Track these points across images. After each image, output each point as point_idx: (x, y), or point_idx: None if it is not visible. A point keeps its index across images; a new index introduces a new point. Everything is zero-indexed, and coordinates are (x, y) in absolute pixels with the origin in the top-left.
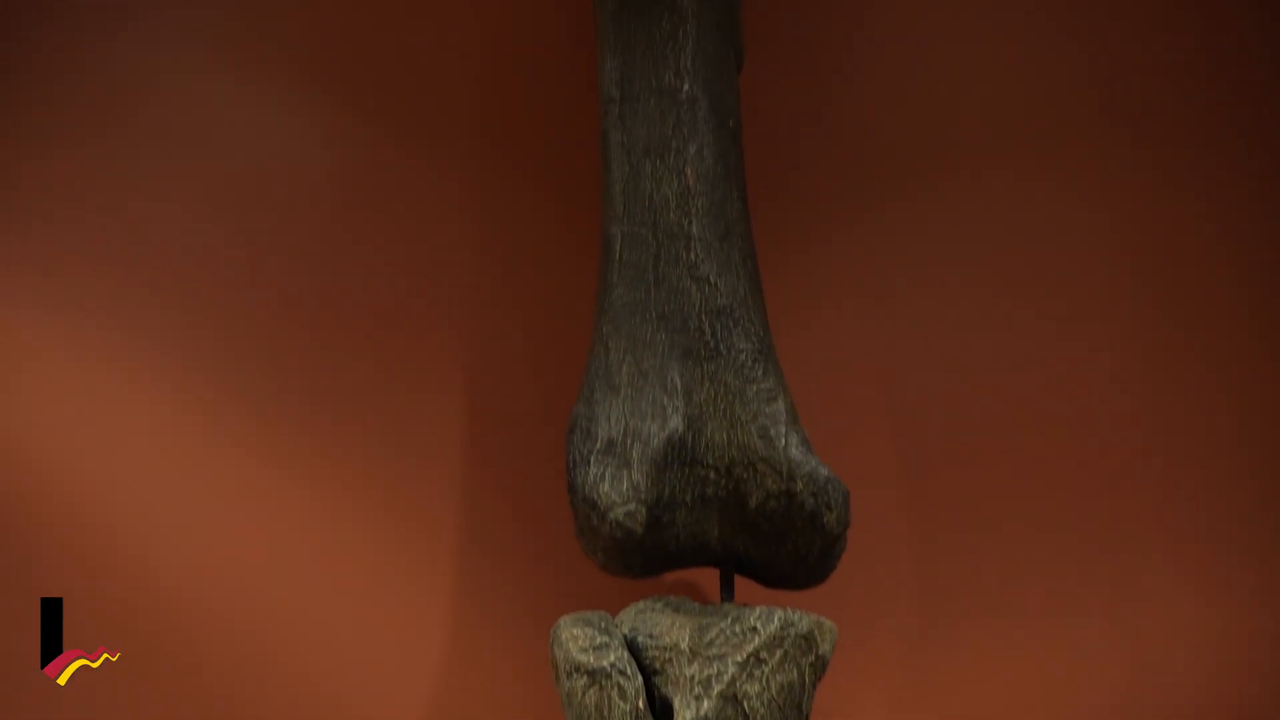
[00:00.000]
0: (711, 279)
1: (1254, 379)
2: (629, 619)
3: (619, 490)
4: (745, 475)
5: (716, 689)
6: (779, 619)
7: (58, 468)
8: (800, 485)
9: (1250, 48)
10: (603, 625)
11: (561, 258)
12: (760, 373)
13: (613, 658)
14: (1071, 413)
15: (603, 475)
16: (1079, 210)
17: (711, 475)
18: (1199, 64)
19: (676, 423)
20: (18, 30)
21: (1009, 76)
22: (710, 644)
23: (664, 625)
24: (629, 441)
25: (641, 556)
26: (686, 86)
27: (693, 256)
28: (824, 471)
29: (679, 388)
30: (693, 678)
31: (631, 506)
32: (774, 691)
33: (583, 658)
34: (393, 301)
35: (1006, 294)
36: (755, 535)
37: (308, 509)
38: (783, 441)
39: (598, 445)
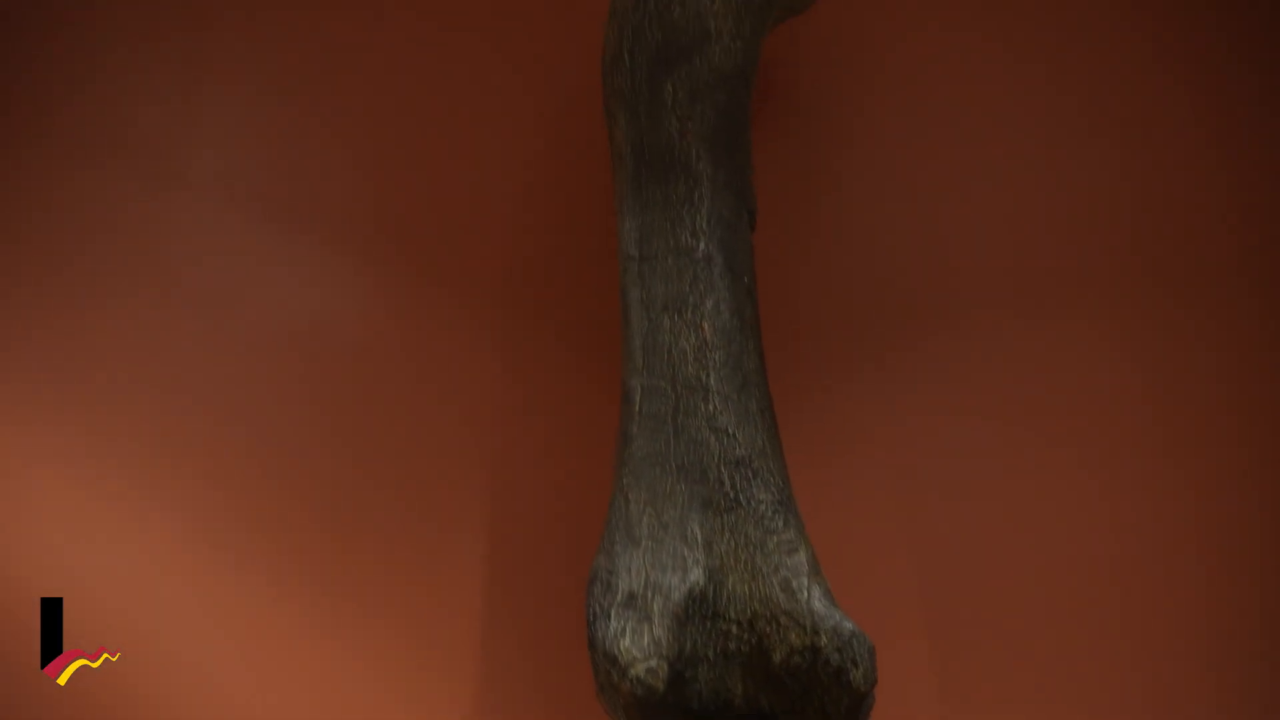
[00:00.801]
0: (730, 430)
1: None
2: None
3: (640, 646)
4: (768, 629)
5: None
6: None
7: (77, 617)
8: (825, 640)
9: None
10: None
11: (582, 410)
12: (781, 524)
13: None
14: (1099, 561)
15: (623, 630)
16: (1097, 358)
17: (734, 629)
18: (1218, 213)
19: (697, 575)
20: (56, 184)
21: (1021, 227)
22: None
23: None
24: (650, 594)
25: (663, 714)
26: (702, 245)
27: (711, 408)
28: (849, 626)
29: (699, 539)
30: None
31: (653, 663)
32: None
33: None
34: (415, 452)
35: (1026, 442)
36: (780, 692)
37: (323, 662)
38: (805, 594)
39: (618, 598)
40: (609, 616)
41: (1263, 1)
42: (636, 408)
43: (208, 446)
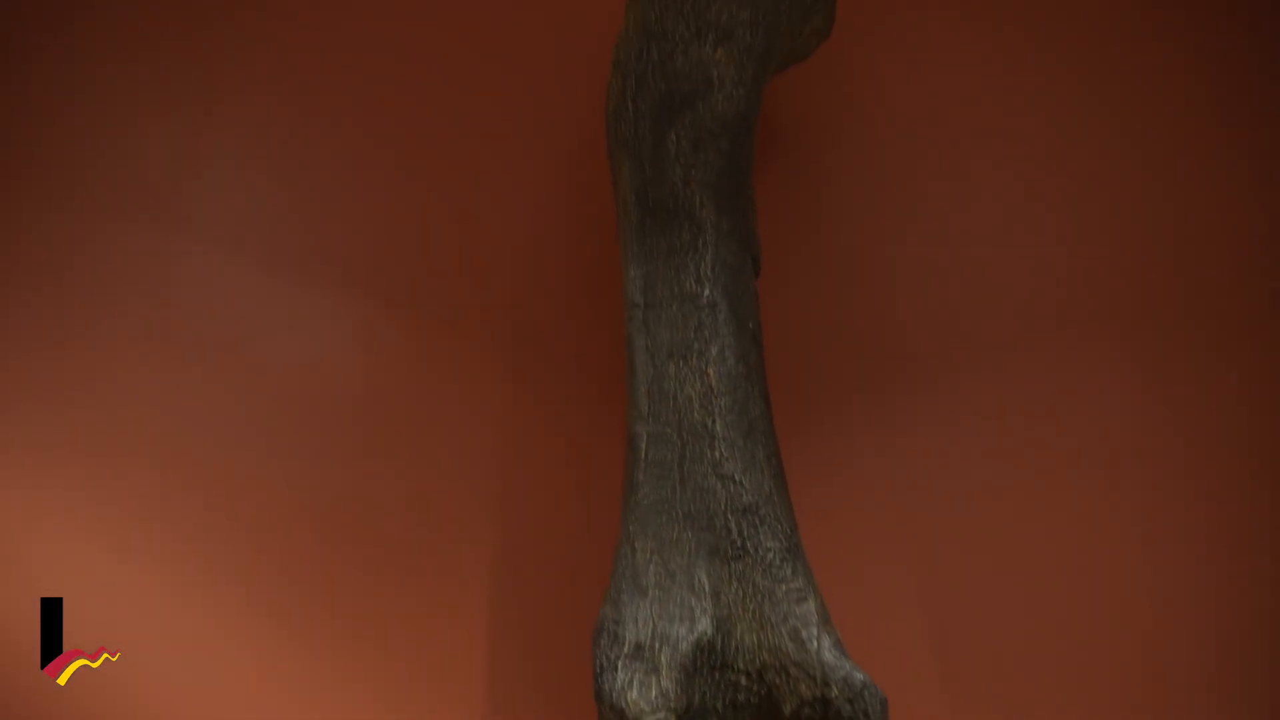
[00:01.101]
0: (736, 477)
1: None
2: None
3: (647, 698)
4: (778, 680)
5: None
6: None
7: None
8: (835, 691)
9: None
10: None
11: (588, 458)
12: (789, 572)
13: None
14: (1108, 607)
15: (631, 682)
16: (1103, 400)
17: (743, 680)
18: (1228, 256)
19: (705, 625)
20: (64, 230)
21: (1027, 269)
22: None
23: None
24: (657, 645)
25: None
26: (707, 292)
27: (717, 455)
28: (859, 676)
29: (707, 588)
30: None
31: (661, 715)
32: None
33: None
34: (420, 500)
35: (1038, 484)
36: None
37: (325, 693)
38: (815, 644)
39: (625, 649)
40: (616, 668)
41: None
42: (642, 455)
43: (216, 489)
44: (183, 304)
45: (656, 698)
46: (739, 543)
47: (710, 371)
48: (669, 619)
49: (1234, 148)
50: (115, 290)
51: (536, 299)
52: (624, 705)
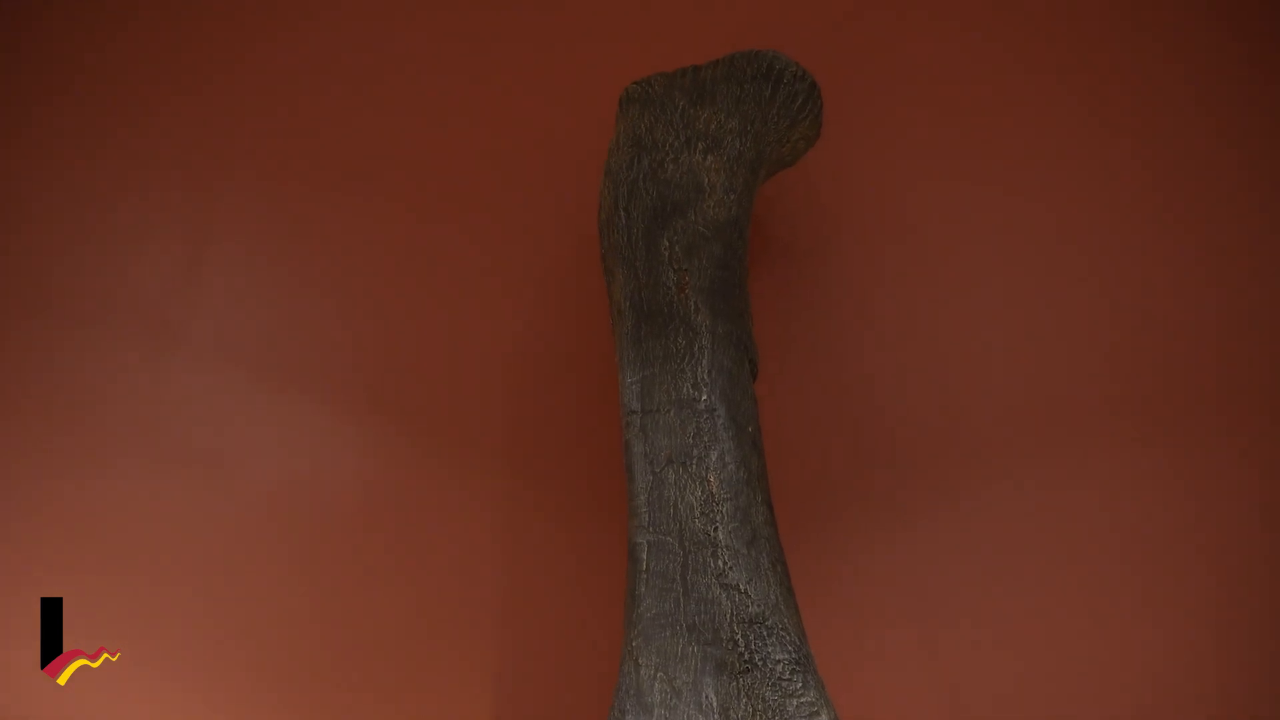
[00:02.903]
0: (741, 586)
1: None
2: None
3: None
4: None
5: None
6: None
7: None
8: None
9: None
10: None
11: (588, 570)
12: (800, 685)
13: None
14: (1126, 711)
15: None
16: (1105, 505)
17: None
18: (1219, 357)
19: None
20: (58, 348)
21: (1028, 365)
22: None
23: None
24: None
25: None
26: (705, 397)
27: (721, 564)
28: None
29: (715, 705)
30: None
31: None
32: None
33: None
34: (417, 618)
35: (1048, 588)
36: None
37: None
38: None
39: None
40: None
41: None
42: (644, 565)
43: (211, 605)
44: (176, 418)
45: None
46: (746, 655)
47: (711, 478)
48: None
49: (1242, 241)
50: (107, 405)
51: (532, 408)
52: None
